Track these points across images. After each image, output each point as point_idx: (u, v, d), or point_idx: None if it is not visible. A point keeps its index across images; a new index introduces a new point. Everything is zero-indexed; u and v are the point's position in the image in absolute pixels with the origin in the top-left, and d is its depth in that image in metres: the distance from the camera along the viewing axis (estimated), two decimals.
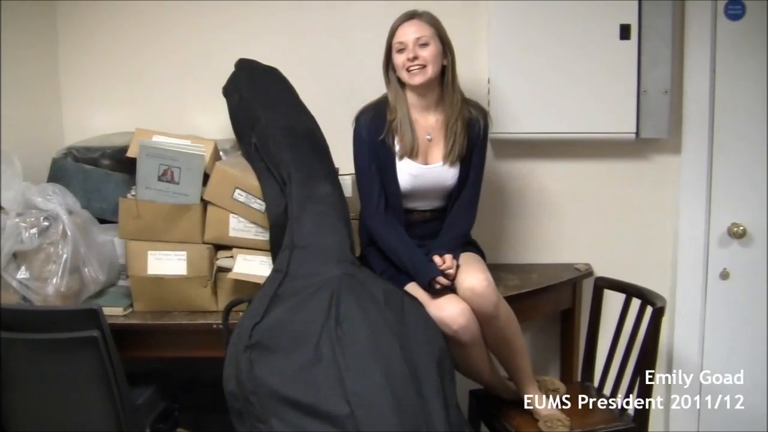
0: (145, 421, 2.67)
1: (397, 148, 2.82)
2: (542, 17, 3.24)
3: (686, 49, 3.31)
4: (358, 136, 2.85)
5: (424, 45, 2.75)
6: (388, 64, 2.85)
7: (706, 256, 3.41)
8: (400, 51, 2.78)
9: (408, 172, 2.82)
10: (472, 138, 2.86)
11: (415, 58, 2.74)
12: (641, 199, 3.45)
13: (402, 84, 2.84)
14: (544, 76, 3.27)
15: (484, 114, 2.91)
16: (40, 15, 3.33)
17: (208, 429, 3.18)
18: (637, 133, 3.29)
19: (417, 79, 2.76)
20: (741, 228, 3.36)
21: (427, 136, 2.84)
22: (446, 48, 2.80)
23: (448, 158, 2.82)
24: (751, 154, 3.34)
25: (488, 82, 3.28)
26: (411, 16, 2.80)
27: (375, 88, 2.90)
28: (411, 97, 2.85)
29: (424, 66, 2.75)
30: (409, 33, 2.76)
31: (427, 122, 2.86)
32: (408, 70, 2.76)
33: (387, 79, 2.87)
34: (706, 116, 3.32)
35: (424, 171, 2.83)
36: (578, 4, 3.22)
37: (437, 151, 2.85)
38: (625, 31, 3.22)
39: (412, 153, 2.81)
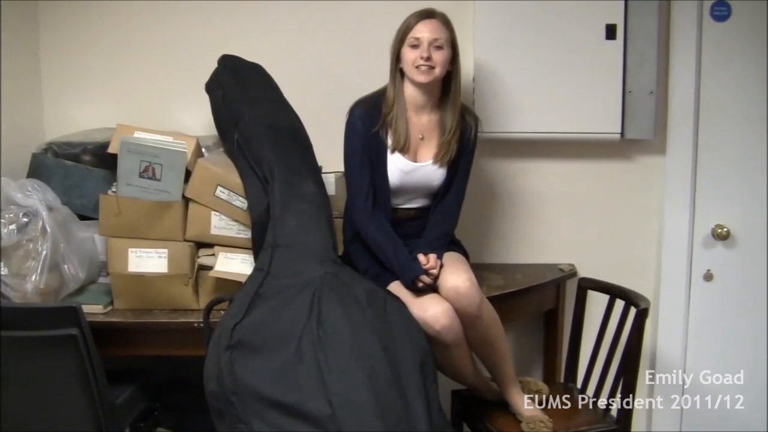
0: (124, 421, 2.65)
1: (389, 141, 2.81)
2: (528, 16, 3.23)
3: (672, 50, 3.31)
4: (351, 128, 2.83)
5: (439, 48, 2.73)
6: (397, 57, 2.81)
7: (689, 257, 3.41)
8: (414, 47, 2.74)
9: (398, 167, 2.81)
10: (463, 143, 2.85)
11: (429, 58, 2.72)
12: (626, 200, 3.45)
13: (402, 77, 2.82)
14: (529, 76, 3.26)
15: (476, 120, 2.91)
16: (21, 8, 3.29)
17: (188, 429, 3.16)
18: (622, 134, 3.29)
19: (423, 78, 2.74)
20: (725, 230, 3.36)
21: (420, 136, 2.83)
22: (455, 55, 2.79)
23: (438, 159, 2.81)
24: (736, 155, 3.34)
25: (473, 81, 3.27)
26: (430, 14, 2.77)
27: (360, 86, 2.90)
28: (411, 94, 2.82)
29: (433, 67, 2.73)
30: (427, 31, 2.73)
31: (420, 121, 2.84)
32: (417, 67, 2.74)
33: (392, 71, 2.84)
34: (691, 117, 3.32)
35: (414, 168, 2.82)
36: (564, 4, 3.22)
37: (428, 150, 2.84)
38: (610, 31, 3.21)
39: (403, 148, 2.80)
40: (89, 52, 3.40)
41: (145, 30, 3.39)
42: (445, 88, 2.83)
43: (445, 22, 2.78)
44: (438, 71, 2.74)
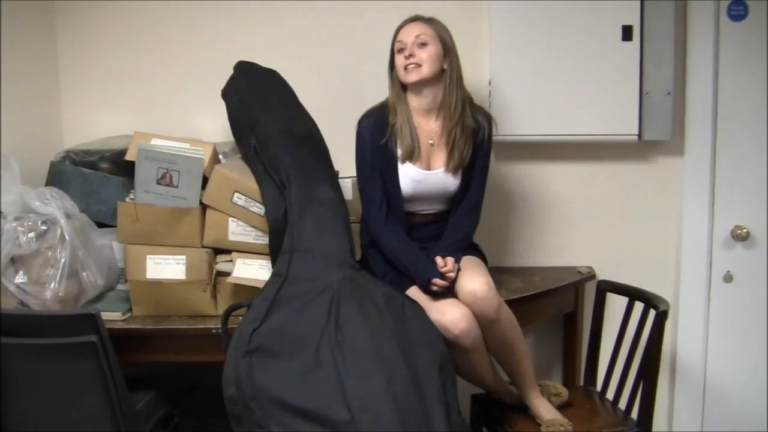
0: (144, 427, 2.66)
1: (398, 152, 2.80)
2: (544, 18, 3.22)
3: (689, 51, 3.29)
4: (360, 140, 2.84)
5: (423, 45, 2.74)
6: (392, 66, 2.84)
7: (709, 258, 3.39)
8: (400, 51, 2.77)
9: (410, 177, 2.80)
10: (476, 145, 2.84)
11: (411, 55, 2.74)
12: (644, 202, 3.43)
13: (404, 87, 2.82)
14: (546, 78, 3.26)
15: (489, 120, 2.89)
16: (39, 17, 3.32)
17: None
18: (639, 135, 3.28)
19: (411, 77, 2.76)
20: (744, 230, 3.34)
21: (430, 141, 2.83)
22: (447, 52, 2.78)
23: (449, 166, 2.81)
24: (755, 155, 3.32)
25: (489, 83, 3.27)
26: (415, 18, 2.80)
27: (377, 91, 2.89)
28: (412, 99, 2.83)
29: (419, 65, 2.74)
30: (410, 33, 2.77)
31: (429, 127, 2.84)
32: (405, 68, 2.76)
33: (391, 81, 2.86)
34: (709, 118, 3.30)
35: (426, 176, 2.81)
36: (580, 5, 3.21)
37: (440, 157, 2.83)
38: (627, 33, 3.20)
39: (413, 157, 2.80)
40: (107, 61, 3.42)
41: (162, 38, 3.41)
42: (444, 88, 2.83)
43: (430, 21, 2.80)
44: (426, 69, 2.75)
